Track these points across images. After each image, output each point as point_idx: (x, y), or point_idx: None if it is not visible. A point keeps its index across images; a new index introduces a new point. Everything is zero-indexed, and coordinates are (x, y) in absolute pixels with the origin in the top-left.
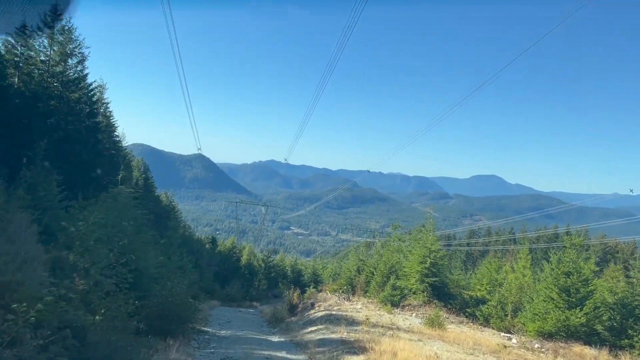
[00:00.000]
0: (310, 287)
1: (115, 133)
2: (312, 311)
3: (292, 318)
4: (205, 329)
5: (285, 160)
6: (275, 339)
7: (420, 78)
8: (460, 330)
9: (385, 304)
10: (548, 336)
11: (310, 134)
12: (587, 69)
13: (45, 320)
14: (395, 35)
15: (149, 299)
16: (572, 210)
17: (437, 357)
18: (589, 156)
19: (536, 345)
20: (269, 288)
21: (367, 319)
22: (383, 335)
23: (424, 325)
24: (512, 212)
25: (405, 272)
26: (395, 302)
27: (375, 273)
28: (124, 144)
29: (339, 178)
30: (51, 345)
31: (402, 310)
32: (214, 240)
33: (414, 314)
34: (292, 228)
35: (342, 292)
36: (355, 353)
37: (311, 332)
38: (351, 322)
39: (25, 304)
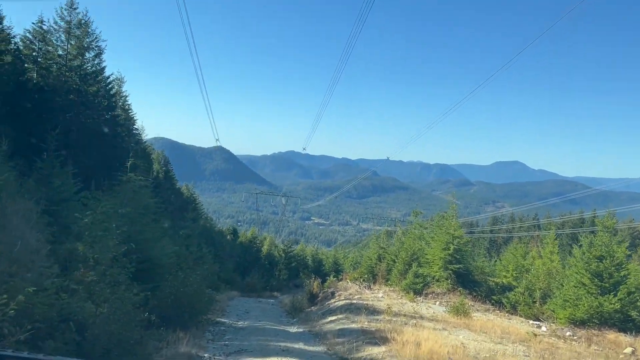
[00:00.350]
0: (331, 276)
1: (135, 126)
2: (332, 300)
3: (312, 308)
4: (222, 320)
5: (304, 149)
6: (293, 329)
7: (439, 65)
8: (486, 318)
9: (408, 292)
10: (580, 323)
11: (329, 124)
12: (612, 49)
13: (38, 312)
14: (412, 21)
15: (160, 289)
16: (598, 195)
17: (464, 346)
18: (615, 140)
19: (567, 333)
20: (290, 278)
21: (389, 307)
22: (405, 324)
23: (448, 313)
24: (536, 199)
25: (427, 259)
26: (418, 290)
27: (396, 261)
28: (144, 137)
29: (359, 168)
30: (49, 338)
31: (425, 299)
32: (235, 232)
33: (437, 302)
34: (313, 218)
35: (363, 280)
36: (376, 344)
37: (331, 322)
38: (372, 311)
39: (5, 296)
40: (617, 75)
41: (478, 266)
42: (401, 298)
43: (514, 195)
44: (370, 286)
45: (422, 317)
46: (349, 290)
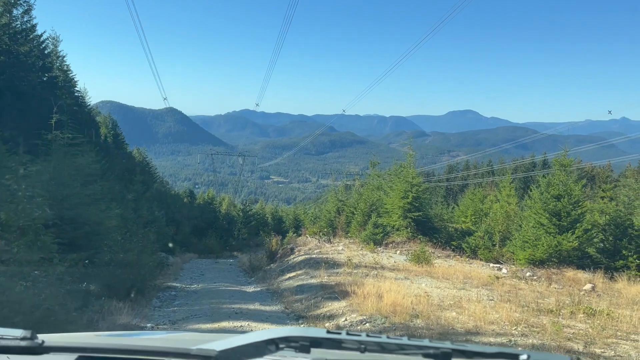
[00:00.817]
0: (290, 232)
1: (76, 88)
2: (291, 257)
3: (271, 265)
4: (174, 284)
5: (257, 105)
6: (250, 289)
7: (392, 18)
8: (447, 264)
9: (368, 243)
10: (539, 263)
11: (284, 81)
12: None
13: None
14: None
15: (99, 257)
16: (546, 139)
17: (427, 295)
18: (562, 85)
19: (528, 274)
20: (250, 237)
21: (349, 260)
22: (367, 276)
23: (409, 262)
24: (489, 146)
25: (386, 209)
26: (378, 240)
27: (355, 212)
28: (89, 100)
29: (315, 123)
30: None
31: (386, 249)
32: (192, 194)
33: (398, 252)
34: (272, 177)
35: (323, 234)
36: (336, 298)
37: (289, 278)
38: (332, 265)
39: None
40: (563, 22)
41: (437, 213)
42: (361, 249)
43: (468, 144)
44: (330, 240)
45: (383, 268)
46: (308, 245)
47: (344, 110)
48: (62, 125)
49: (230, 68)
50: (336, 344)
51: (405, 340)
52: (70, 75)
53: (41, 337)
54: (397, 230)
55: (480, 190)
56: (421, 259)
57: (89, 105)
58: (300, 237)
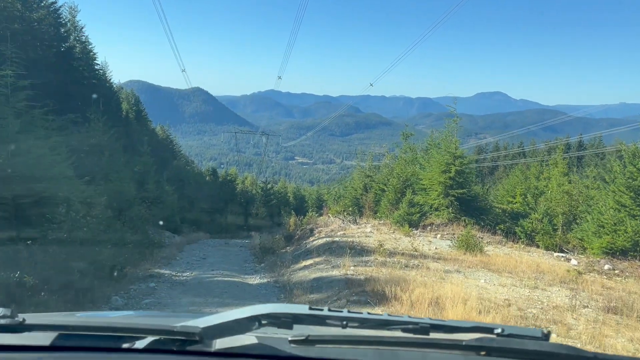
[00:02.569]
0: (310, 212)
1: (96, 62)
2: (310, 239)
3: (288, 248)
4: (162, 271)
5: (279, 78)
6: (254, 280)
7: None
8: (502, 252)
9: (402, 225)
10: (620, 253)
11: (308, 61)
12: None
13: None
14: None
15: (46, 238)
16: (577, 121)
17: (508, 303)
18: (595, 67)
19: (606, 267)
20: (270, 216)
21: (380, 245)
22: (405, 267)
23: (455, 249)
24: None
25: (423, 185)
26: (414, 222)
27: (386, 189)
28: (110, 75)
29: (341, 104)
30: None
31: (424, 232)
32: (214, 172)
33: (438, 236)
34: (297, 158)
35: (347, 214)
36: (367, 303)
37: (305, 267)
38: (359, 251)
39: None
40: (596, 3)
41: (478, 193)
42: (394, 232)
43: (495, 126)
44: (356, 220)
45: (424, 256)
46: (330, 226)
47: (371, 84)
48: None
49: (255, 48)
50: (318, 320)
51: (385, 316)
52: (89, 47)
53: (21, 315)
54: (436, 210)
55: (537, 165)
56: (471, 246)
57: (110, 79)
58: (321, 217)
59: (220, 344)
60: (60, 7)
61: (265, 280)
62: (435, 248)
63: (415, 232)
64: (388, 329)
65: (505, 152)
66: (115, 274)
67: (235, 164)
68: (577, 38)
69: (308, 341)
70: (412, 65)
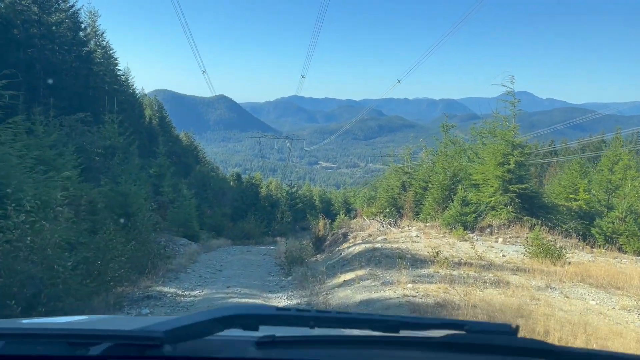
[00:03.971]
0: (341, 214)
1: (118, 67)
2: (344, 245)
3: (318, 257)
4: (166, 289)
5: (303, 77)
6: (280, 301)
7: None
8: (585, 259)
9: (454, 228)
10: None
11: (331, 66)
12: None
13: None
14: None
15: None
16: (606, 119)
17: None
18: (623, 63)
19: None
20: (296, 221)
21: (437, 253)
22: (476, 281)
23: (529, 256)
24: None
25: (475, 180)
26: (469, 223)
27: (430, 186)
28: (133, 80)
29: (364, 108)
30: None
31: (481, 235)
32: (239, 177)
33: (500, 239)
34: (320, 162)
35: (384, 216)
36: None
37: (345, 284)
38: (411, 261)
39: None
40: None
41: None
42: (444, 236)
43: (522, 126)
44: (396, 222)
45: (495, 267)
46: (367, 230)
47: (399, 81)
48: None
49: (278, 54)
50: (286, 321)
51: (355, 315)
52: (110, 52)
53: None
54: (493, 209)
55: (611, 153)
56: (550, 253)
57: (133, 85)
58: (354, 220)
59: (183, 347)
60: (79, 9)
61: (294, 301)
62: (503, 255)
63: (471, 235)
64: (358, 328)
65: (536, 150)
66: (99, 295)
67: (259, 169)
68: (604, 34)
69: (274, 343)
70: (435, 67)
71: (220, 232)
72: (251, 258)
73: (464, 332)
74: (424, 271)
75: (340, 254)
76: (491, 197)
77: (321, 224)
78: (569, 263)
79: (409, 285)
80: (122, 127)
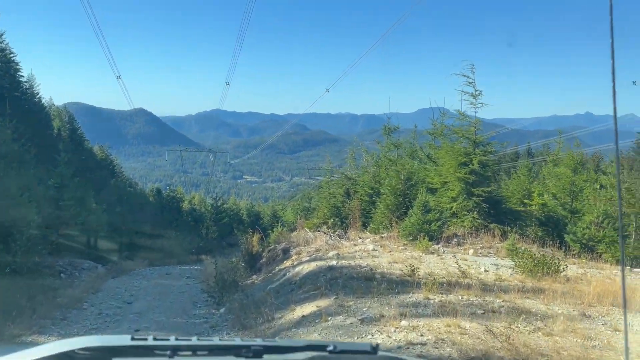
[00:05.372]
0: (279, 227)
1: (20, 73)
2: (287, 263)
3: (254, 278)
4: (42, 338)
5: (227, 84)
6: None
7: (362, 15)
8: (579, 273)
9: (416, 238)
10: None
11: (254, 80)
12: None
13: None
14: None
15: None
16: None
17: None
18: (529, 80)
19: None
20: (222, 236)
21: (412, 270)
22: (485, 310)
23: (519, 272)
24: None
25: (432, 184)
26: (433, 232)
27: (382, 192)
28: (38, 88)
29: (287, 122)
30: None
31: (448, 245)
32: (159, 192)
33: (470, 251)
34: (245, 177)
35: (328, 227)
36: None
37: (305, 320)
38: (385, 283)
39: None
40: (525, 24)
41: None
42: (405, 249)
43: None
44: (345, 234)
45: (488, 286)
46: (313, 244)
47: (327, 90)
48: None
49: (200, 67)
50: (143, 351)
51: (216, 341)
52: (10, 56)
53: None
54: (455, 216)
55: (570, 154)
56: (547, 267)
57: (38, 94)
58: (295, 233)
59: None
60: None
61: None
62: (485, 271)
63: (437, 247)
64: (221, 356)
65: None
66: None
67: (182, 184)
68: (509, 54)
69: None
70: (356, 83)
71: (135, 252)
72: (172, 283)
73: (327, 353)
74: (409, 298)
75: (285, 274)
76: (452, 202)
77: (255, 239)
78: (567, 278)
79: (403, 322)
80: (17, 133)
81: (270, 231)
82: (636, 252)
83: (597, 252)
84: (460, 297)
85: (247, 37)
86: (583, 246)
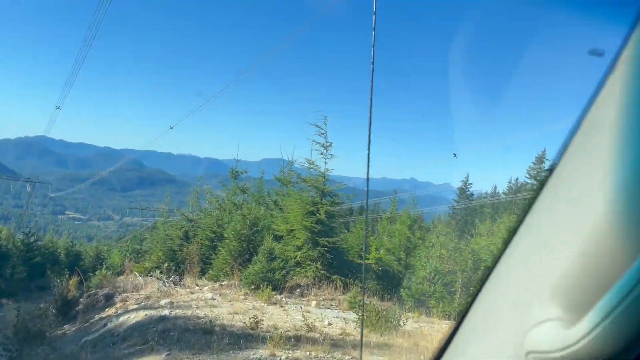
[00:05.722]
0: (102, 270)
1: None
2: (109, 311)
3: (67, 328)
4: None
5: (58, 108)
6: None
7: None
8: (416, 326)
9: (259, 288)
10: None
11: (88, 110)
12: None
13: None
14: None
15: None
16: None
17: None
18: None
19: None
20: (31, 278)
21: (255, 322)
22: None
23: (368, 326)
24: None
25: (279, 231)
26: (277, 282)
27: (225, 236)
28: None
29: (123, 158)
30: None
31: (291, 296)
32: None
33: (313, 303)
34: (68, 212)
35: (162, 272)
36: None
37: None
38: (227, 337)
39: None
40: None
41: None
42: (246, 298)
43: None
44: (181, 281)
45: (334, 340)
46: (143, 291)
47: (172, 127)
48: None
49: (25, 87)
50: None
51: None
52: None
53: None
54: (300, 266)
55: (406, 214)
56: (387, 322)
57: None
58: (122, 277)
59: None
60: None
61: None
62: (329, 324)
63: (280, 297)
64: None
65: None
66: None
67: None
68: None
69: None
70: (202, 125)
71: None
72: None
73: None
74: (254, 354)
75: (106, 324)
76: (298, 250)
77: (72, 282)
78: (408, 333)
79: None
80: None
81: (92, 274)
82: (460, 307)
83: (427, 306)
84: (308, 354)
85: (89, 55)
86: (416, 301)
